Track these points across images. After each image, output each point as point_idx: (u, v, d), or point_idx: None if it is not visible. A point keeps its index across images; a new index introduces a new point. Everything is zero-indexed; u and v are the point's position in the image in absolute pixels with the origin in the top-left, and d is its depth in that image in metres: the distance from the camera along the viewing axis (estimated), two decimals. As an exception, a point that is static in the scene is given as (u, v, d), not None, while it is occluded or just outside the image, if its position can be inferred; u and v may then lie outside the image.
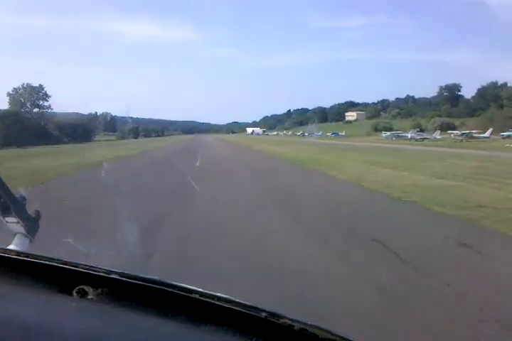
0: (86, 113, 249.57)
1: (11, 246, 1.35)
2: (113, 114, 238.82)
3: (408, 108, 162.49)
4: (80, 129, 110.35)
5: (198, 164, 23.36)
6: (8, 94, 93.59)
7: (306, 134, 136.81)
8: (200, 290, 0.92)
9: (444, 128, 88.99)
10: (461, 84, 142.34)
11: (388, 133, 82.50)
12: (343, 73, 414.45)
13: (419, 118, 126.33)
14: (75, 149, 51.01)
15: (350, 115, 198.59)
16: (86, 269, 1.00)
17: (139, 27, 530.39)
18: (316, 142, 71.59)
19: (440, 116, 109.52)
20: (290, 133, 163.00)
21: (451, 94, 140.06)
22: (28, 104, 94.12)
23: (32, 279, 1.02)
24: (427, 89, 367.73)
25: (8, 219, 1.39)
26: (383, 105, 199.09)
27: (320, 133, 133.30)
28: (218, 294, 0.92)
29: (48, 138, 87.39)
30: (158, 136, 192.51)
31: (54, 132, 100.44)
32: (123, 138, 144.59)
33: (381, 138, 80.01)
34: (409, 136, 73.86)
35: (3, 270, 1.06)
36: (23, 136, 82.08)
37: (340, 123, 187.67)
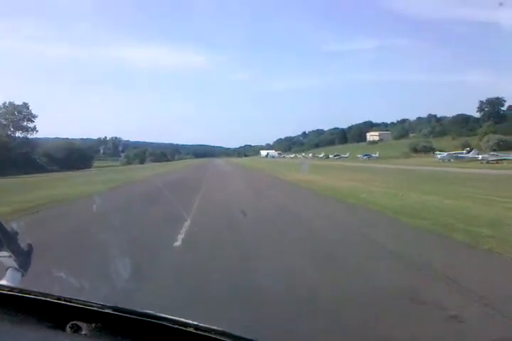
0: (95, 138, 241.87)
1: (3, 281, 1.34)
2: (124, 139, 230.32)
3: (443, 126, 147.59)
4: (75, 155, 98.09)
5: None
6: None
7: (330, 156, 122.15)
8: (195, 323, 0.91)
9: (503, 146, 73.73)
10: (504, 98, 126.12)
11: (445, 153, 67.25)
12: (358, 94, 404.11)
13: (459, 137, 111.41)
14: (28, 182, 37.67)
15: (373, 135, 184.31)
16: (79, 304, 0.99)
17: (151, 53, 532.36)
18: (354, 167, 56.67)
19: (487, 133, 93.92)
20: (310, 155, 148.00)
21: (492, 109, 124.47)
22: (10, 126, 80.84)
23: (25, 315, 1.03)
24: (446, 108, 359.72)
25: (0, 253, 1.36)
26: (404, 125, 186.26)
27: (347, 155, 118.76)
28: (213, 327, 0.91)
29: (31, 166, 74.40)
30: (168, 160, 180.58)
31: (43, 159, 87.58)
32: (128, 163, 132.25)
33: (435, 160, 64.78)
34: (479, 157, 58.82)
35: None
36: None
37: (364, 144, 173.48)
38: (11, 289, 1.09)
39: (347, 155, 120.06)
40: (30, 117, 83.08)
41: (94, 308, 0.96)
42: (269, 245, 8.37)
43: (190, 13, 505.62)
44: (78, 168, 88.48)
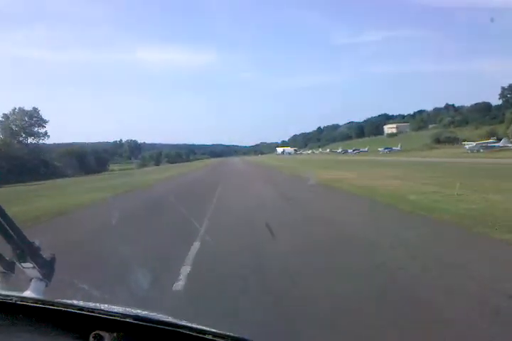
0: (111, 141, 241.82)
1: (28, 292, 1.39)
2: (140, 141, 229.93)
3: (463, 116, 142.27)
4: (89, 160, 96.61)
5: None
6: (-1, 122, 79.12)
7: (349, 151, 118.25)
8: (213, 330, 0.95)
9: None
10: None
11: (473, 143, 63.04)
12: (371, 87, 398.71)
13: (482, 126, 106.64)
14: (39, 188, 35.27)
15: (391, 128, 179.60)
16: (101, 314, 1.03)
17: (165, 54, 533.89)
18: (379, 161, 53.29)
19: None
20: (328, 150, 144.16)
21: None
22: (22, 133, 79.17)
23: (49, 326, 1.07)
24: (463, 97, 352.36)
25: (24, 264, 1.42)
26: (422, 116, 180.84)
27: (367, 149, 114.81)
28: (231, 334, 0.94)
29: (44, 171, 72.69)
30: (184, 161, 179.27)
31: (58, 164, 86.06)
32: (144, 165, 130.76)
33: (464, 150, 60.79)
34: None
35: (21, 318, 1.10)
36: (12, 171, 67.73)
37: (382, 137, 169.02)
38: (36, 301, 1.11)
39: (366, 149, 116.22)
40: (41, 122, 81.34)
41: (116, 318, 1.00)
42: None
43: (203, 13, 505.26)
44: (93, 172, 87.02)
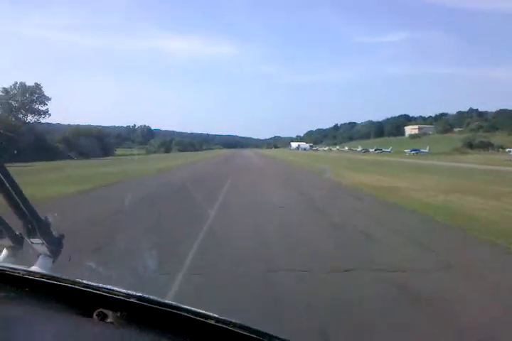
0: (125, 125, 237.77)
1: (35, 267, 1.40)
2: (155, 128, 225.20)
3: (489, 121, 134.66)
4: (94, 143, 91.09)
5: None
6: (-4, 97, 73.28)
7: (370, 150, 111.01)
8: (215, 315, 0.94)
9: None
10: None
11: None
12: (390, 87, 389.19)
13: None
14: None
15: (412, 129, 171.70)
16: (106, 292, 1.03)
17: (185, 44, 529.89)
18: (415, 164, 46.46)
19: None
20: (346, 148, 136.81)
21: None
22: (21, 109, 73.39)
23: (54, 301, 1.08)
24: (484, 102, 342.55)
25: (33, 240, 1.43)
26: (447, 119, 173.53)
27: (390, 150, 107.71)
28: (233, 320, 0.93)
29: (39, 152, 66.91)
30: (196, 150, 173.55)
31: (56, 145, 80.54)
32: (153, 152, 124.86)
33: (507, 158, 53.65)
34: None
35: (28, 291, 1.11)
36: (8, 150, 62.14)
37: (402, 137, 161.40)
38: (42, 275, 1.11)
39: (389, 149, 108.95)
40: (43, 99, 75.36)
41: (120, 297, 0.99)
42: None
43: (224, 5, 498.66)
44: (96, 156, 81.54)
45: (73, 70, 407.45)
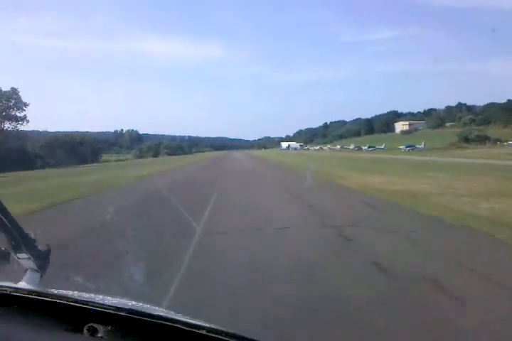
0: (112, 130, 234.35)
1: (22, 283, 1.38)
2: (143, 132, 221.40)
3: (480, 115, 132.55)
4: (78, 149, 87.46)
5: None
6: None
7: (363, 148, 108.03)
8: (206, 325, 0.94)
9: None
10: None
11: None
12: (379, 85, 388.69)
13: (509, 125, 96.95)
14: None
15: (403, 125, 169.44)
16: (96, 306, 1.01)
17: (169, 45, 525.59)
18: (416, 161, 43.51)
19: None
20: (338, 147, 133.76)
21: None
22: (-2, 116, 69.42)
23: (43, 317, 1.06)
24: (471, 97, 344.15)
25: (19, 255, 1.40)
26: (438, 114, 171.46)
27: (383, 147, 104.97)
28: (224, 329, 0.93)
29: (19, 160, 63.17)
30: (185, 153, 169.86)
31: (38, 153, 76.79)
32: (141, 156, 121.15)
33: (507, 151, 50.92)
34: None
35: (15, 309, 1.09)
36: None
37: (393, 133, 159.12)
38: (30, 292, 1.09)
39: (383, 146, 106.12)
40: (21, 105, 71.31)
41: (110, 311, 0.98)
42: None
43: (208, 5, 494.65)
44: (81, 163, 78.01)
45: (58, 75, 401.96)
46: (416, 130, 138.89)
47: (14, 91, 70.56)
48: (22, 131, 73.33)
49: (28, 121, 71.06)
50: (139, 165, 59.99)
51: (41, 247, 1.43)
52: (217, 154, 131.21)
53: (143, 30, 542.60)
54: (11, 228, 1.32)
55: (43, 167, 71.54)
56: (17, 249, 1.36)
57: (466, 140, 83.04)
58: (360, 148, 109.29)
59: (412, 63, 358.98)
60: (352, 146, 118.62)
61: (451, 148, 76.22)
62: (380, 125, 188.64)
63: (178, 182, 24.47)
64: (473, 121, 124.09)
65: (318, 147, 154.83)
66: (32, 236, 1.41)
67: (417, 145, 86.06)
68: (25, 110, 71.33)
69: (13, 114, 70.89)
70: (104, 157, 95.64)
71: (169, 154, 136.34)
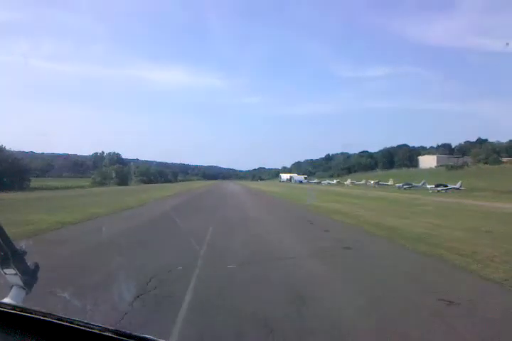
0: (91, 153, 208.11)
1: (7, 299, 1.31)
2: (132, 158, 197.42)
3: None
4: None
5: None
6: None
7: (397, 185, 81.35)
8: None
9: None
10: None
11: None
12: (377, 119, 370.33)
13: None
14: None
15: (427, 159, 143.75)
16: (81, 326, 0.96)
17: (166, 74, 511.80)
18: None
19: None
20: (363, 181, 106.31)
21: None
22: None
23: (26, 335, 1.00)
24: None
25: (6, 270, 1.34)
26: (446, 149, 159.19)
27: (422, 184, 77.38)
28: None
29: None
30: (168, 181, 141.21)
31: None
32: (102, 183, 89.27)
33: None
34: None
35: None
36: None
37: (416, 169, 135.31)
38: (14, 308, 1.05)
39: (422, 184, 78.17)
40: None
41: (95, 331, 0.93)
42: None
43: (207, 37, 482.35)
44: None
45: (48, 99, 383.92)
46: (462, 165, 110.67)
47: None
48: None
49: None
50: (79, 199, 31.46)
51: (30, 264, 1.36)
52: (206, 184, 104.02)
53: (140, 57, 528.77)
54: (1, 242, 1.25)
55: None
56: (4, 263, 1.29)
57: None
58: (409, 186, 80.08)
59: (407, 100, 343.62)
60: (390, 182, 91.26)
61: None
62: (401, 158, 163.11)
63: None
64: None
65: (334, 181, 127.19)
66: (22, 250, 1.32)
67: (452, 186, 65.90)
68: None
69: None
70: (40, 182, 66.26)
71: (145, 182, 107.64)
